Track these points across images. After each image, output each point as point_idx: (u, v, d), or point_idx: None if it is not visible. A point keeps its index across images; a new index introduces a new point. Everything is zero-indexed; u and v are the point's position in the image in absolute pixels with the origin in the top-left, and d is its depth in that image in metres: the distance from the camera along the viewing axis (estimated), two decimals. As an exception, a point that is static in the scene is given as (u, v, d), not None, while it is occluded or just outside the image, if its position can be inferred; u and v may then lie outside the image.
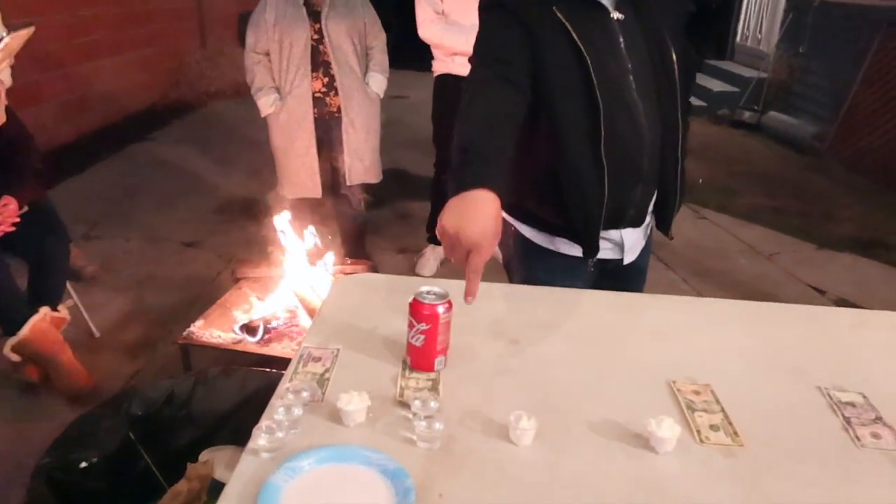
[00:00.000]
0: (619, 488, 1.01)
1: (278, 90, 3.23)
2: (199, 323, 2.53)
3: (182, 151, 5.76)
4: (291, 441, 1.05)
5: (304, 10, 3.11)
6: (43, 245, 2.62)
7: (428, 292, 1.22)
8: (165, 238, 4.12)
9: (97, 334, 3.03)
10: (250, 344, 2.48)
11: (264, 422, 1.07)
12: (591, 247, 1.54)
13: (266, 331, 2.53)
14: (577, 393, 1.23)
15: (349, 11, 3.19)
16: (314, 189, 3.37)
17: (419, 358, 1.24)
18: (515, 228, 1.63)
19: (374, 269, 3.02)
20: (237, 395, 1.61)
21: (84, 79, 5.82)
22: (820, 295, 3.85)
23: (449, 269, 3.75)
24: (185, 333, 2.47)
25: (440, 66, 3.35)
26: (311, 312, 2.60)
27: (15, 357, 2.51)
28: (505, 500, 0.98)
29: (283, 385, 1.19)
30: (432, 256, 3.72)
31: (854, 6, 6.64)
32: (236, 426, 1.59)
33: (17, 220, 2.46)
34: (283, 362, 2.41)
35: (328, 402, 1.15)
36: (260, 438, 1.02)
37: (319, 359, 1.27)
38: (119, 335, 3.08)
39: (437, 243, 3.75)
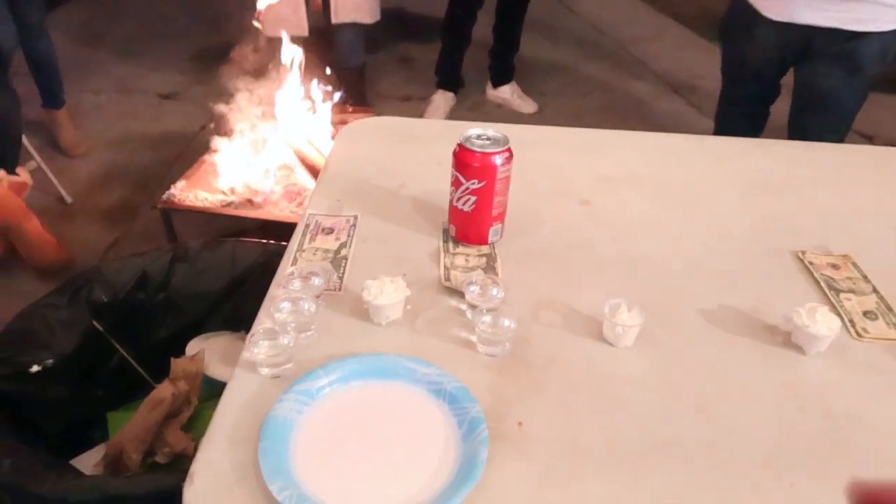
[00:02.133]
0: (765, 404, 0.73)
1: None
2: (180, 184, 2.19)
3: (154, -5, 5.12)
4: (302, 350, 0.75)
5: None
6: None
7: (479, 136, 0.87)
8: (139, 90, 3.66)
9: (69, 200, 2.68)
10: (243, 207, 2.15)
11: (261, 324, 0.76)
12: None
13: (258, 191, 2.19)
14: (679, 271, 0.92)
15: None
16: (298, 25, 2.89)
17: (468, 226, 0.91)
18: None
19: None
20: (227, 272, 1.30)
21: None
22: (868, 141, 3.49)
23: (460, 117, 3.36)
24: (164, 197, 2.13)
25: None
26: (311, 169, 2.25)
27: (-28, 228, 2.19)
28: (610, 430, 0.69)
29: (285, 269, 0.87)
30: (442, 101, 3.30)
31: None
32: (229, 311, 1.30)
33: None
34: (280, 227, 2.10)
35: (348, 290, 0.84)
36: (257, 348, 0.72)
37: (332, 230, 0.95)
38: (95, 200, 2.73)
39: (447, 88, 3.32)
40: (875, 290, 0.89)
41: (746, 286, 0.89)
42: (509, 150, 0.87)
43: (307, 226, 0.96)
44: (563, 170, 1.13)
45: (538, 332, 0.80)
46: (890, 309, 0.86)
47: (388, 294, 0.77)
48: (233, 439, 0.65)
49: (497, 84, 3.43)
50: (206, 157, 2.39)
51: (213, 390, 1.21)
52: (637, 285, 0.88)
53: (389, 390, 0.70)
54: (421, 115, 3.33)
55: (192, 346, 1.25)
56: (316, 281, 0.81)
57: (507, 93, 3.42)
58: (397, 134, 1.21)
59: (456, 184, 0.88)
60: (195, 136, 3.19)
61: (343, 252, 0.90)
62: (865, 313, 0.86)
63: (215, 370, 1.20)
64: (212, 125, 2.79)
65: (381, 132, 1.22)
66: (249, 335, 0.74)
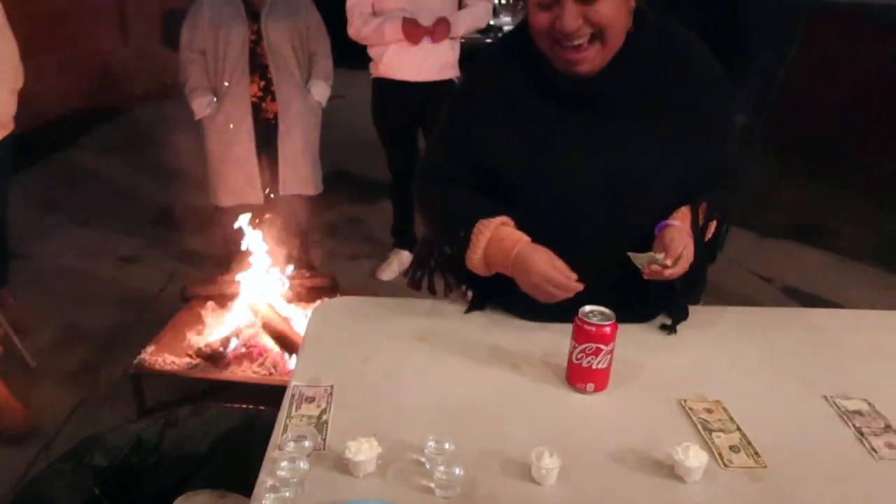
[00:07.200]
0: (654, 525, 0.96)
1: (214, 92, 3.07)
2: (150, 349, 2.36)
3: (109, 160, 5.43)
4: (300, 500, 0.95)
5: (242, 8, 2.96)
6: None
7: (591, 312, 1.19)
8: (100, 253, 3.86)
9: (33, 364, 2.79)
10: (209, 369, 2.33)
11: (267, 480, 0.96)
12: None
13: (223, 354, 2.38)
14: (587, 419, 1.17)
15: (291, 14, 3.04)
16: (254, 195, 3.20)
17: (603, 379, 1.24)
18: None
19: (335, 282, 2.89)
20: (211, 435, 1.48)
21: (-5, 84, 5.38)
22: (767, 283, 3.94)
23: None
24: (136, 361, 2.29)
25: (374, 69, 3.27)
26: (271, 330, 2.47)
27: (-58, 396, 2.28)
28: (539, 550, 0.91)
29: (278, 433, 1.08)
30: (395, 261, 3.58)
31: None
32: (212, 470, 1.46)
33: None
34: (244, 387, 2.28)
35: (331, 449, 1.06)
36: (265, 500, 0.92)
37: (313, 399, 1.17)
38: (57, 363, 2.84)
39: (402, 247, 3.61)
40: (738, 429, 1.16)
41: (642, 430, 1.14)
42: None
43: (293, 395, 1.18)
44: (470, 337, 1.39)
45: (481, 476, 1.02)
46: (750, 443, 1.12)
47: (364, 452, 0.99)
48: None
49: None
50: (172, 321, 2.58)
51: (199, 544, 1.35)
52: (556, 435, 1.12)
53: (370, 529, 0.91)
54: (373, 272, 3.61)
55: (179, 504, 1.40)
56: (307, 443, 1.02)
57: None
58: (362, 313, 1.47)
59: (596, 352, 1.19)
60: (155, 298, 3.38)
61: (324, 417, 1.12)
62: (731, 447, 1.12)
63: (202, 525, 1.36)
64: (172, 288, 2.98)
65: (348, 311, 1.48)
66: (258, 486, 0.94)
